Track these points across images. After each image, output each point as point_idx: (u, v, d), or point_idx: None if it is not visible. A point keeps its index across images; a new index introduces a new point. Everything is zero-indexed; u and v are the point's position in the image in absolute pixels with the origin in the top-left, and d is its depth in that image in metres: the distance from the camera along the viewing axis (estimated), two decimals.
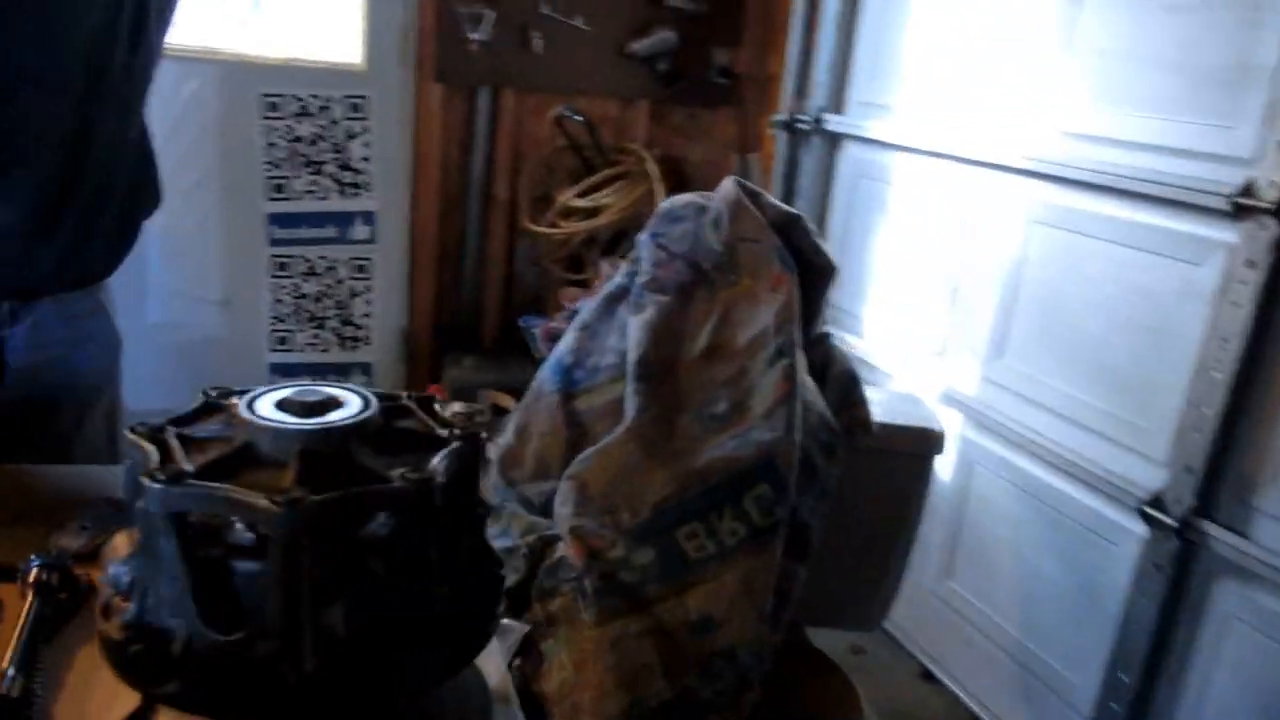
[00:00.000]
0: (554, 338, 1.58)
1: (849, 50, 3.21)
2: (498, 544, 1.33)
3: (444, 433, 0.48)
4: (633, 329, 1.47)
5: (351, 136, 3.16)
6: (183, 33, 2.95)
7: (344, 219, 3.21)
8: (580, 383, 1.47)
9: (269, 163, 3.07)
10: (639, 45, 3.52)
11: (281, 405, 0.47)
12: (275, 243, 3.15)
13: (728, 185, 1.54)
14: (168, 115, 2.95)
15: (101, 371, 1.61)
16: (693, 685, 1.10)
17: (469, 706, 0.56)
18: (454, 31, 3.18)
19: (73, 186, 1.33)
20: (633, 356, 1.40)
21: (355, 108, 3.14)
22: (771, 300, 1.44)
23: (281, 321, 3.24)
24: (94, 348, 1.55)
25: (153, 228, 2.98)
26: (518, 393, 1.71)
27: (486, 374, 3.16)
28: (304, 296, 3.24)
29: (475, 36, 3.15)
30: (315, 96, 3.06)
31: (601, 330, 1.55)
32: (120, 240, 1.49)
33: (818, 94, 3.28)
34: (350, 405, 0.48)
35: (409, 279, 3.42)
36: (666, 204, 1.60)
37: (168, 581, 0.42)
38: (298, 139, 3.09)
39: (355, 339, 3.38)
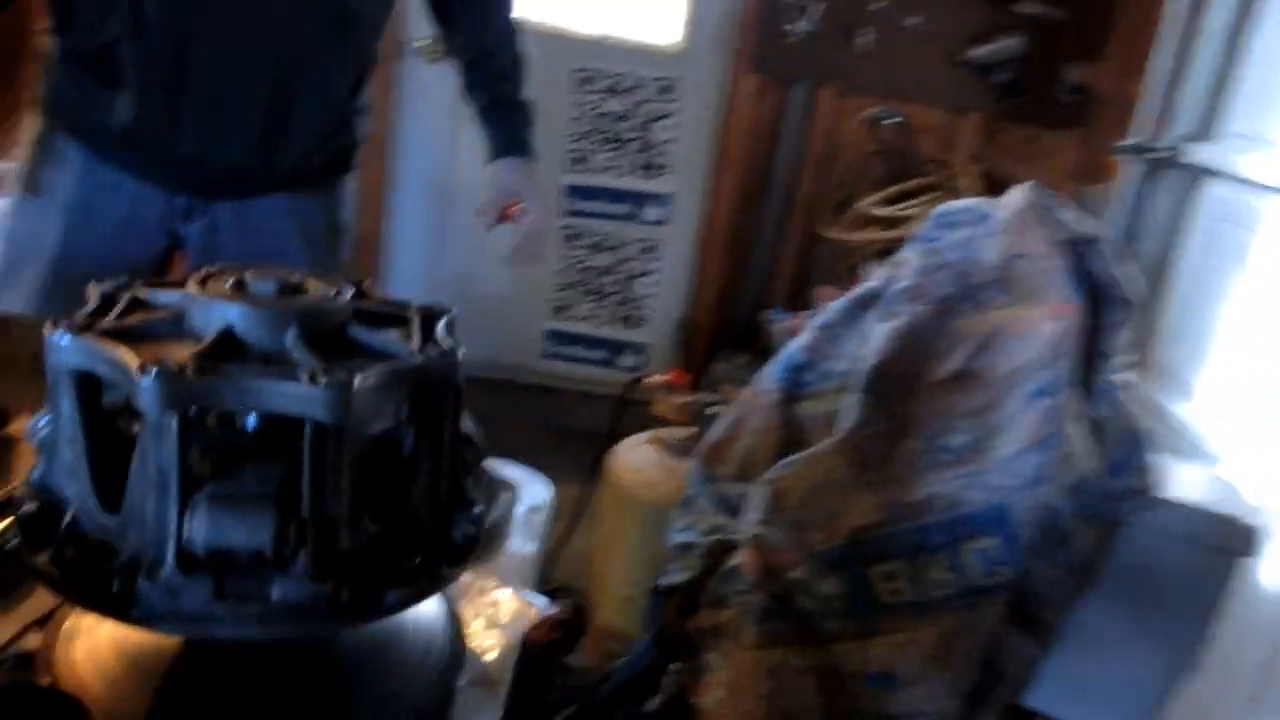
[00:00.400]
0: (795, 335, 1.45)
1: (1231, 70, 2.74)
2: (679, 538, 1.24)
3: (414, 345, 0.39)
4: (876, 336, 1.31)
5: (657, 118, 3.19)
6: None
7: (638, 199, 3.26)
8: (808, 385, 1.34)
9: (572, 135, 3.17)
10: (978, 52, 3.24)
11: (239, 284, 0.40)
12: (569, 214, 3.26)
13: (1020, 192, 1.34)
14: None
15: None
16: None
17: (418, 675, 0.46)
18: (776, 22, 3.10)
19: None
20: (868, 365, 1.24)
21: (665, 89, 3.16)
22: (1047, 330, 1.23)
23: (564, 290, 3.35)
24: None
25: (461, 181, 3.21)
26: None
27: (752, 373, 3.07)
28: (589, 269, 3.33)
29: (797, 28, 3.05)
30: (627, 75, 3.12)
31: (842, 334, 1.40)
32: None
33: (1182, 120, 2.84)
34: (316, 294, 0.40)
35: (695, 267, 3.40)
36: (944, 207, 1.42)
37: (66, 445, 0.37)
38: (603, 115, 3.16)
39: (633, 319, 3.42)
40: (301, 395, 0.35)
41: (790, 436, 1.28)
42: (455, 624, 0.48)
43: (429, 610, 0.49)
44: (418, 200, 3.26)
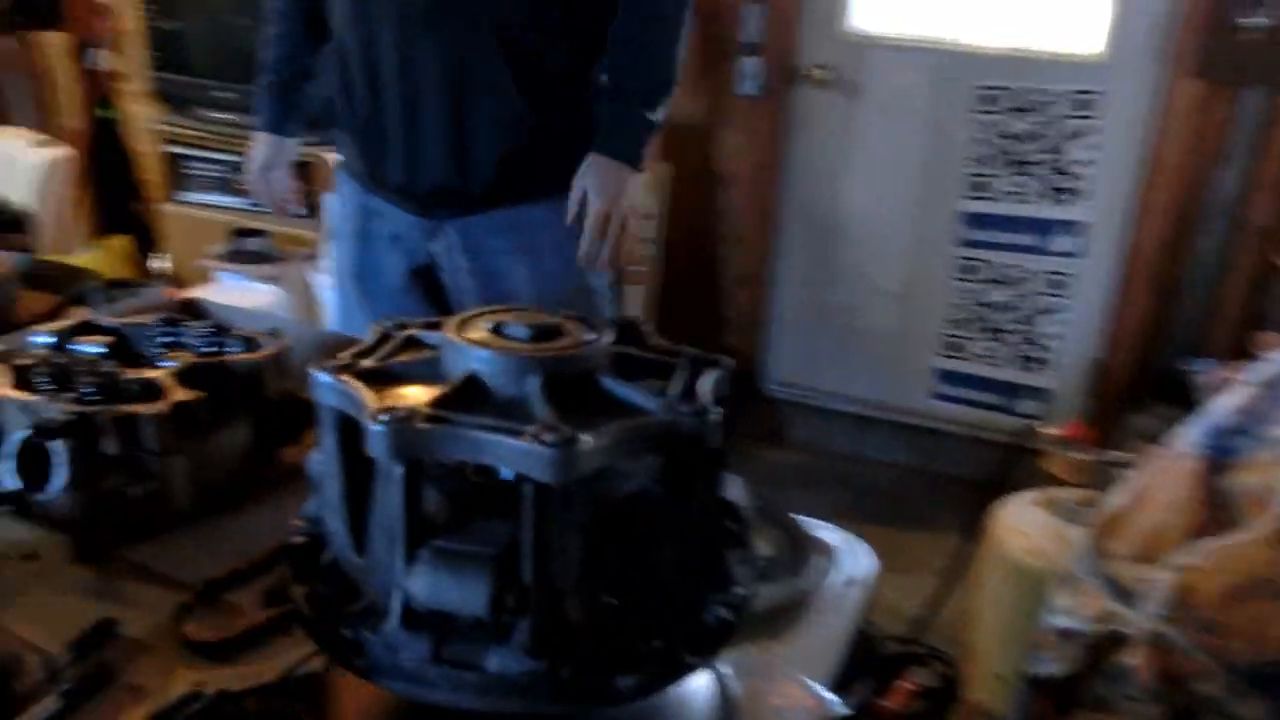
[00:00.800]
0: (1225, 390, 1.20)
1: None
2: (1059, 622, 1.06)
3: (672, 399, 0.33)
4: None
5: (1073, 136, 2.86)
6: (903, 21, 2.98)
7: (1045, 227, 2.94)
8: (1238, 451, 1.09)
9: (972, 158, 2.95)
10: None
11: (497, 329, 0.37)
12: (965, 244, 3.03)
13: None
14: (876, 101, 3.03)
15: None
16: None
17: None
18: (1224, 18, 2.64)
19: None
20: None
21: (1082, 104, 2.82)
22: None
23: (957, 327, 3.12)
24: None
25: (848, 210, 3.13)
26: None
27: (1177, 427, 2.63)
28: (987, 305, 3.07)
29: (1253, 23, 2.56)
30: (1037, 90, 2.84)
31: None
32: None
33: None
34: (575, 336, 0.36)
35: (1113, 304, 3.00)
36: None
37: (329, 481, 0.37)
38: (1008, 136, 2.90)
39: (1036, 359, 3.10)
40: (523, 452, 0.31)
41: (1212, 515, 1.05)
42: (730, 713, 0.42)
43: (699, 700, 0.43)
44: (804, 230, 3.25)
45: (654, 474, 0.37)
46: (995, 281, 3.10)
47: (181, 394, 0.58)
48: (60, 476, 0.54)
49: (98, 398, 0.57)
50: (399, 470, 0.32)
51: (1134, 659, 0.89)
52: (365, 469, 0.37)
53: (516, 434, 0.32)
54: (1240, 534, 0.93)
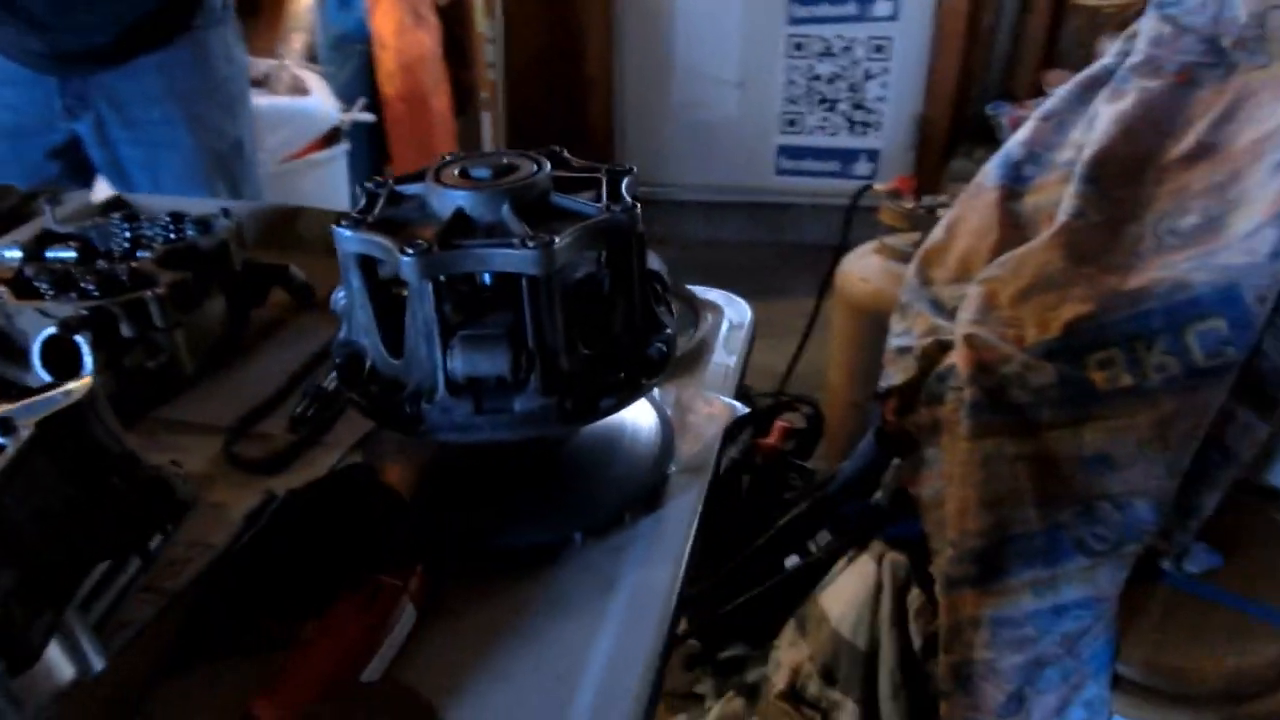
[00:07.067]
0: (1019, 126, 1.41)
1: None
2: (895, 343, 1.29)
3: (602, 204, 0.48)
4: (1101, 121, 1.26)
5: None
6: None
7: None
8: (1029, 179, 1.32)
9: None
10: None
11: (463, 172, 0.50)
12: (793, 21, 3.15)
13: None
14: None
15: None
16: (1066, 523, 1.00)
17: (639, 461, 0.58)
18: None
19: None
20: (1088, 153, 1.21)
21: None
22: None
23: (793, 104, 3.29)
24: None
25: (675, 8, 3.18)
26: None
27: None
28: (817, 78, 3.23)
29: None
30: None
31: (1069, 121, 1.35)
32: None
33: None
34: (523, 171, 0.50)
35: (930, 60, 3.21)
36: None
37: (359, 310, 0.51)
38: None
39: (866, 124, 3.31)
40: (517, 257, 0.45)
41: (1010, 233, 1.28)
42: (666, 425, 0.60)
43: (644, 416, 0.60)
44: (642, 33, 3.29)
45: (598, 260, 0.52)
46: (823, 55, 3.25)
47: (170, 276, 0.68)
48: (89, 364, 0.63)
49: (98, 292, 0.67)
50: (429, 287, 0.46)
51: (955, 359, 1.12)
52: (385, 294, 0.50)
53: (508, 245, 0.45)
54: (1026, 245, 1.16)
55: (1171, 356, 1.02)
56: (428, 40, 2.72)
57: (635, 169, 0.53)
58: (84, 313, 0.62)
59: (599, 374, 0.51)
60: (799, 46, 3.25)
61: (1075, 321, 1.06)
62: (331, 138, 2.40)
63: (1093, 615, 1.01)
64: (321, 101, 2.39)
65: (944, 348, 1.17)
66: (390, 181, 0.53)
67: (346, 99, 2.52)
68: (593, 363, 0.50)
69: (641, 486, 0.56)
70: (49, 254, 0.72)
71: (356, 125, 2.53)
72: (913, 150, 3.35)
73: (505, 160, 0.50)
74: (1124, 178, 1.17)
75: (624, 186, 0.51)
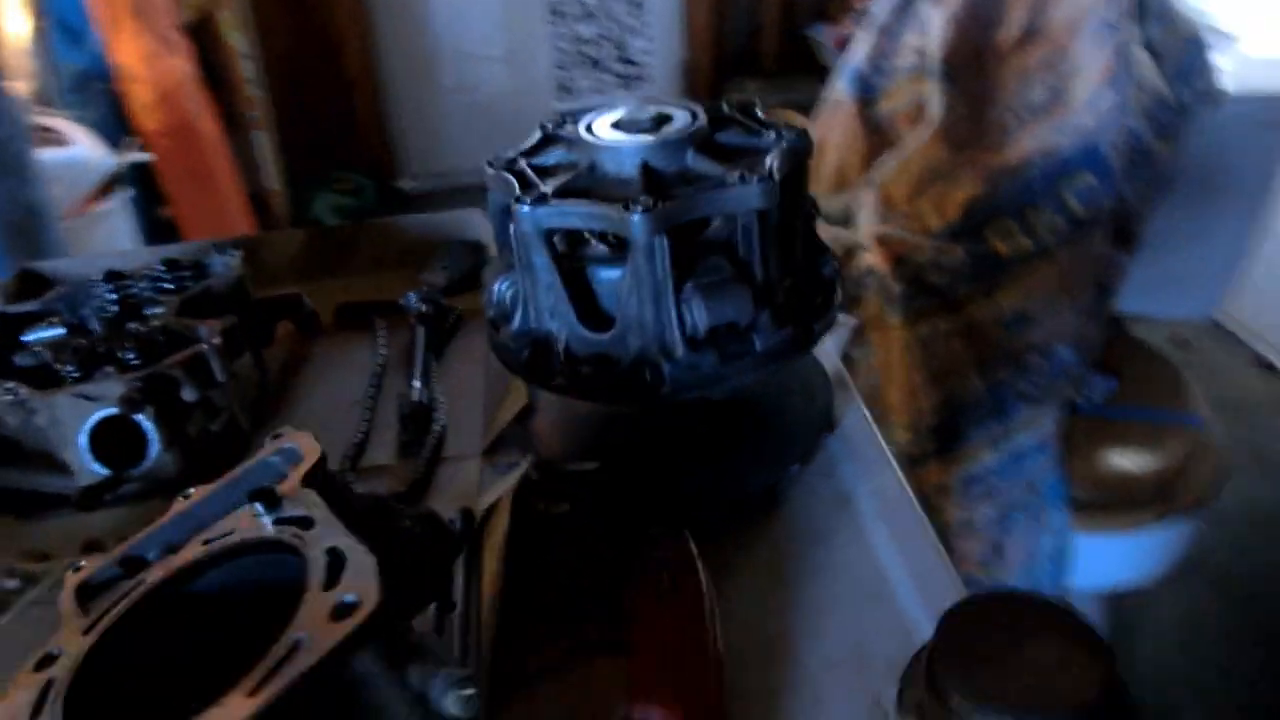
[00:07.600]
0: (845, 44, 1.50)
1: None
2: None
3: (770, 134, 0.50)
4: (934, 24, 1.37)
5: None
6: None
7: None
8: (878, 88, 1.42)
9: None
10: None
11: (617, 125, 0.50)
12: None
13: None
14: None
15: None
16: (1006, 379, 1.11)
17: (813, 386, 0.61)
18: None
19: None
20: (936, 55, 1.31)
21: None
22: None
23: (562, 69, 3.32)
24: None
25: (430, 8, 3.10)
26: (807, 110, 1.67)
27: (771, 95, 3.09)
28: (583, 41, 3.28)
29: None
30: None
31: (899, 29, 1.46)
32: None
33: None
34: (679, 118, 0.50)
35: (684, 8, 3.33)
36: None
37: (544, 292, 0.49)
38: None
39: (636, 77, 3.40)
40: (744, 194, 0.45)
41: (875, 139, 1.37)
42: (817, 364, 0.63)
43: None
44: (398, 25, 3.18)
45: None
46: (584, 18, 3.29)
47: (214, 324, 0.58)
48: (155, 443, 0.55)
49: (140, 360, 0.57)
50: (663, 241, 0.45)
51: (870, 259, 1.21)
52: (570, 271, 0.49)
53: (729, 184, 0.46)
54: (907, 144, 1.26)
55: (1058, 216, 1.14)
56: (182, 65, 2.50)
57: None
58: (138, 384, 0.55)
59: (806, 303, 0.52)
60: (558, 13, 3.27)
61: (970, 203, 1.17)
62: (109, 185, 2.17)
63: (1046, 455, 1.13)
64: (88, 149, 2.15)
65: (850, 252, 1.25)
66: (520, 157, 0.52)
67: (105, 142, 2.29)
68: (798, 294, 0.52)
69: (821, 410, 0.59)
70: (31, 336, 0.62)
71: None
72: (685, 94, 3.47)
73: (662, 110, 0.51)
74: (971, 70, 1.29)
75: (778, 153, 0.50)
